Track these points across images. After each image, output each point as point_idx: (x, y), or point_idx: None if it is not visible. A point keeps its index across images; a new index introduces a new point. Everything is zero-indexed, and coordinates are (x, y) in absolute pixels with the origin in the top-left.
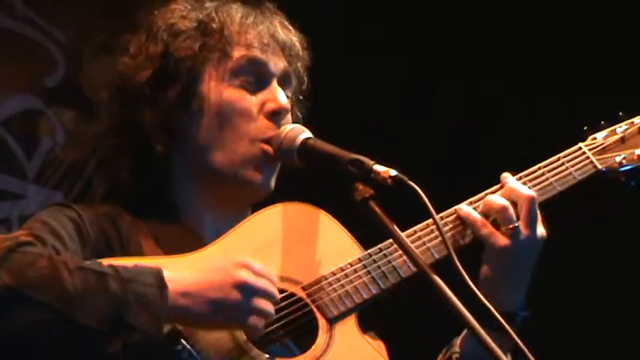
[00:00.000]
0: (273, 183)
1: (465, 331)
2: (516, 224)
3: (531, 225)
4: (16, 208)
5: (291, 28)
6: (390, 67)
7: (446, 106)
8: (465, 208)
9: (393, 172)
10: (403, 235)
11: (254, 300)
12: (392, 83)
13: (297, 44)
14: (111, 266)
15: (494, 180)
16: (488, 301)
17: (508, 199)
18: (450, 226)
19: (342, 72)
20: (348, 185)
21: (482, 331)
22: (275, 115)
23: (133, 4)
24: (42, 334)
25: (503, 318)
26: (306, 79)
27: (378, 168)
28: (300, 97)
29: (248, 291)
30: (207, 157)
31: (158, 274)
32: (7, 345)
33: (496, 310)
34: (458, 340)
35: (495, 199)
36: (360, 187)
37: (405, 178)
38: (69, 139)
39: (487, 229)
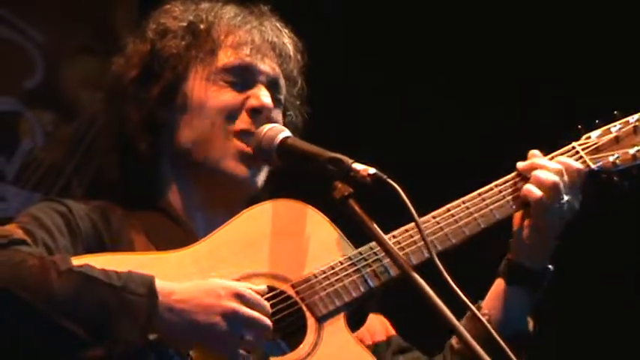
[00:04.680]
0: (259, 180)
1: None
2: (566, 199)
3: (573, 195)
4: None
5: (283, 30)
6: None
7: (439, 105)
8: (529, 187)
9: (372, 170)
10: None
11: (240, 331)
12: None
13: (289, 46)
14: (102, 271)
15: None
16: (525, 260)
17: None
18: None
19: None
20: (328, 184)
21: (463, 330)
22: (255, 113)
23: (111, 5)
24: (26, 333)
25: (538, 275)
26: (300, 81)
27: (357, 166)
28: (297, 102)
29: (235, 321)
30: (190, 153)
31: (150, 284)
32: None
33: (530, 269)
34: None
35: (546, 175)
36: (340, 185)
37: (384, 176)
38: (48, 141)
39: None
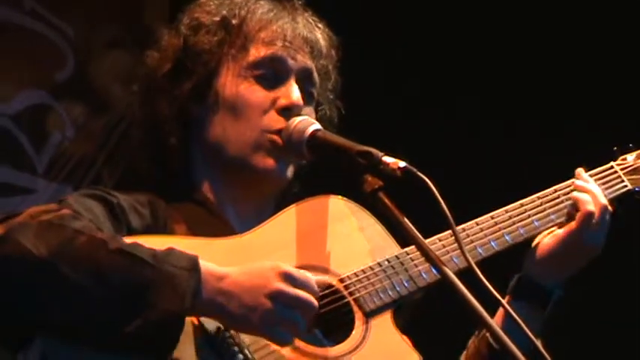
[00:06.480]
0: (289, 172)
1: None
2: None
3: (602, 229)
4: (25, 203)
5: (317, 24)
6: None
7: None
8: (584, 197)
9: (402, 164)
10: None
11: (286, 311)
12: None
13: (322, 41)
14: (150, 251)
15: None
16: (539, 277)
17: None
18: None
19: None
20: (358, 177)
21: (498, 329)
22: (286, 111)
23: None
24: (66, 310)
25: (543, 292)
26: (334, 76)
27: (387, 159)
28: (330, 97)
29: (281, 302)
30: (220, 149)
31: (193, 260)
32: (29, 314)
33: (538, 285)
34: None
35: (589, 205)
36: (370, 178)
37: (415, 170)
38: (78, 134)
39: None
